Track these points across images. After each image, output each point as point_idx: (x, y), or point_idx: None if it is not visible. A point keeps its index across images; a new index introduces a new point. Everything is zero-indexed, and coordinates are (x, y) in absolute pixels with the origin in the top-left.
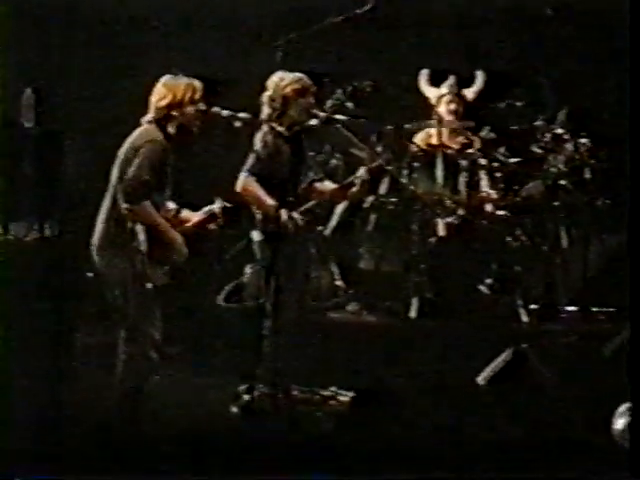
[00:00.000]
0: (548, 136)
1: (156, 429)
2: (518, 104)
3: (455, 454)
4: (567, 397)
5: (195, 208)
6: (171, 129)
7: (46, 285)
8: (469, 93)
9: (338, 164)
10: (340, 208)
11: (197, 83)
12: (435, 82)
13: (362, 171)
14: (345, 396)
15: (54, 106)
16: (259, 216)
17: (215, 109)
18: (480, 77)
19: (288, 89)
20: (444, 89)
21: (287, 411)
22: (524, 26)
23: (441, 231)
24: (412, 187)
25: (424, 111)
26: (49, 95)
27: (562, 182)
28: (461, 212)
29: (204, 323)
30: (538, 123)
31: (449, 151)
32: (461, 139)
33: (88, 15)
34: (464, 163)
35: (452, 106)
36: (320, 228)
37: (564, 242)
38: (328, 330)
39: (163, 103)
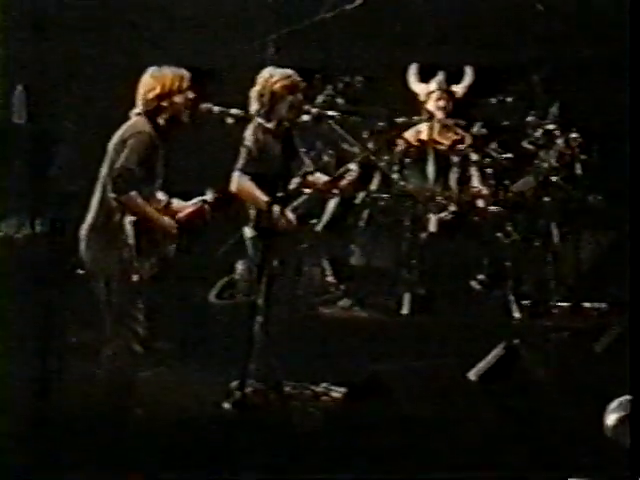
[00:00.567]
0: (539, 132)
1: (147, 425)
2: (509, 100)
3: (447, 449)
4: (559, 392)
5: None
6: (161, 120)
7: (37, 282)
8: (458, 89)
9: (329, 160)
10: (332, 204)
11: (184, 72)
12: (425, 77)
13: (353, 164)
14: (337, 392)
15: (45, 103)
16: (252, 212)
17: (207, 105)
18: (469, 73)
19: (277, 86)
20: (433, 85)
21: (279, 407)
22: (515, 21)
23: (432, 227)
24: (403, 183)
25: (415, 107)
26: (40, 92)
27: (553, 178)
28: (452, 208)
29: (196, 319)
30: (529, 119)
31: (440, 147)
32: (452, 135)
33: (79, 12)
34: (455, 159)
35: (441, 102)
36: (312, 223)
37: (555, 238)
38: (320, 326)
39: (152, 94)
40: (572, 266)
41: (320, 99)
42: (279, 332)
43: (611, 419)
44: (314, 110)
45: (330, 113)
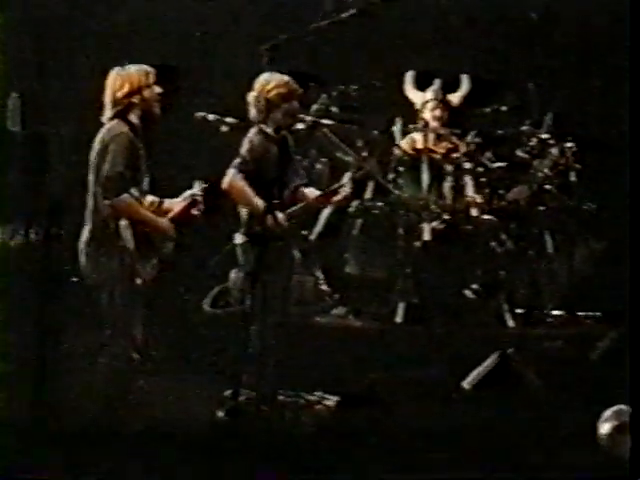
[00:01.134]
0: (534, 141)
1: (141, 433)
2: (503, 109)
3: (441, 459)
4: (553, 401)
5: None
6: (134, 118)
7: (32, 289)
8: (454, 98)
9: (324, 169)
10: (325, 213)
11: (148, 68)
12: (421, 85)
13: (347, 179)
14: (331, 401)
15: (40, 110)
16: (244, 217)
17: (201, 113)
18: (465, 82)
19: (272, 93)
20: (429, 94)
21: (273, 416)
22: (510, 30)
23: (426, 236)
24: (397, 192)
25: (410, 115)
26: (35, 99)
27: (548, 187)
28: (446, 217)
29: (189, 328)
30: (524, 128)
31: (434, 156)
32: (446, 144)
33: (74, 19)
34: (449, 168)
35: (437, 112)
36: (305, 232)
37: (550, 247)
38: (313, 334)
39: (121, 93)
40: (566, 275)
41: (314, 107)
42: (273, 341)
43: (605, 428)
44: (308, 118)
45: (324, 121)
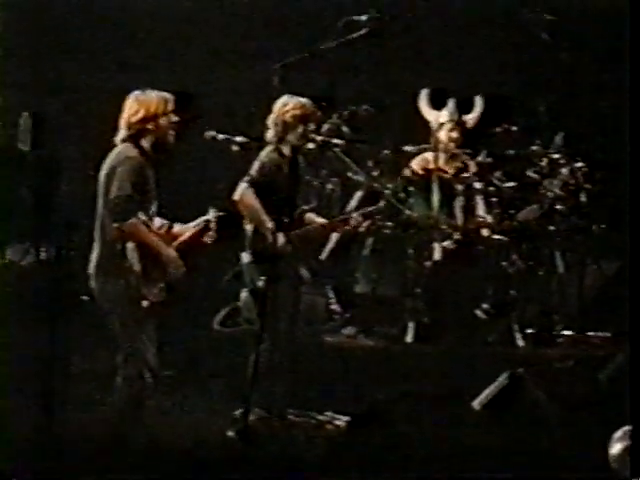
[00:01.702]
0: (544, 161)
1: (152, 453)
2: (514, 129)
3: (451, 478)
4: (563, 422)
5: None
6: (145, 144)
7: (42, 309)
8: (469, 120)
9: (334, 188)
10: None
11: (168, 95)
12: (433, 103)
13: (356, 202)
14: (341, 420)
15: (50, 130)
16: (249, 233)
17: (211, 133)
18: (479, 103)
19: (288, 115)
20: (445, 115)
21: (283, 435)
22: (521, 51)
23: (437, 255)
24: (408, 211)
25: (421, 135)
26: (46, 119)
27: (558, 207)
28: (457, 236)
29: (200, 347)
30: (534, 148)
31: (445, 175)
32: (457, 163)
33: (84, 39)
34: (460, 187)
35: (454, 134)
36: (316, 252)
37: (560, 267)
38: (324, 354)
39: (136, 118)
40: (576, 295)
41: (325, 127)
42: (283, 360)
43: (616, 448)
44: (319, 138)
45: (335, 141)
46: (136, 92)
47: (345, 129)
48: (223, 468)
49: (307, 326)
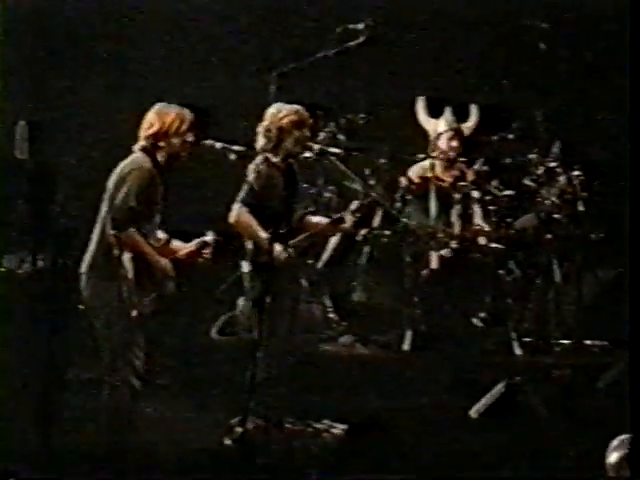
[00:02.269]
0: (541, 169)
1: (147, 460)
2: (511, 137)
3: None
4: (560, 430)
5: (186, 238)
6: (160, 157)
7: (38, 317)
8: (465, 128)
9: (331, 197)
10: (333, 241)
11: (187, 113)
12: (431, 111)
13: (354, 206)
14: (338, 429)
15: (47, 139)
16: (250, 247)
17: (209, 141)
18: (474, 111)
19: (285, 121)
20: (443, 124)
21: (280, 444)
22: (518, 59)
23: (434, 264)
24: (405, 220)
25: (417, 143)
26: (42, 127)
27: (555, 215)
28: (454, 245)
29: (196, 355)
30: (531, 156)
31: (442, 184)
32: (454, 172)
33: (82, 47)
34: (457, 196)
35: (454, 143)
36: (313, 261)
37: (557, 275)
38: (321, 362)
39: (150, 131)
40: (574, 303)
41: (322, 136)
42: (280, 368)
43: (613, 457)
44: (316, 147)
45: (332, 150)
46: (160, 104)
47: (342, 137)
48: (220, 476)
49: (304, 334)
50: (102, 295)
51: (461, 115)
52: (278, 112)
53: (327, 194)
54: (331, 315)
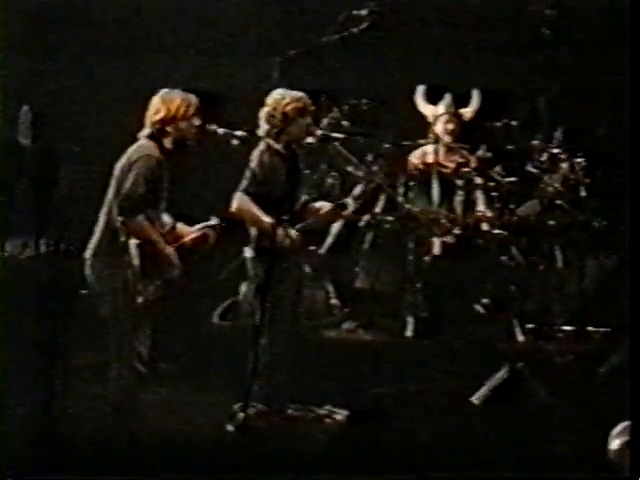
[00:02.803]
0: (544, 155)
1: (150, 447)
2: (514, 123)
3: (450, 474)
4: (563, 417)
5: (191, 223)
6: (167, 143)
7: (42, 302)
8: (466, 112)
9: (334, 182)
10: (336, 227)
11: (193, 98)
12: (431, 99)
13: (357, 191)
14: (340, 414)
15: (51, 124)
16: (253, 233)
17: (212, 127)
18: (476, 96)
19: (289, 107)
20: (441, 108)
21: (282, 429)
22: (521, 45)
23: (437, 250)
24: (408, 206)
25: (421, 129)
26: (46, 113)
27: (558, 202)
28: (457, 231)
29: (199, 341)
30: (534, 142)
31: (445, 170)
32: (457, 158)
33: (85, 32)
34: (460, 182)
35: (450, 126)
36: (315, 247)
37: (560, 262)
38: (323, 348)
39: (157, 117)
40: (576, 290)
41: (325, 121)
42: (282, 354)
43: (615, 443)
44: (319, 132)
45: (335, 135)
46: (164, 90)
47: (345, 123)
48: (222, 462)
49: (306, 320)
50: (107, 281)
51: (466, 102)
52: (281, 98)
53: (330, 180)
54: (333, 301)
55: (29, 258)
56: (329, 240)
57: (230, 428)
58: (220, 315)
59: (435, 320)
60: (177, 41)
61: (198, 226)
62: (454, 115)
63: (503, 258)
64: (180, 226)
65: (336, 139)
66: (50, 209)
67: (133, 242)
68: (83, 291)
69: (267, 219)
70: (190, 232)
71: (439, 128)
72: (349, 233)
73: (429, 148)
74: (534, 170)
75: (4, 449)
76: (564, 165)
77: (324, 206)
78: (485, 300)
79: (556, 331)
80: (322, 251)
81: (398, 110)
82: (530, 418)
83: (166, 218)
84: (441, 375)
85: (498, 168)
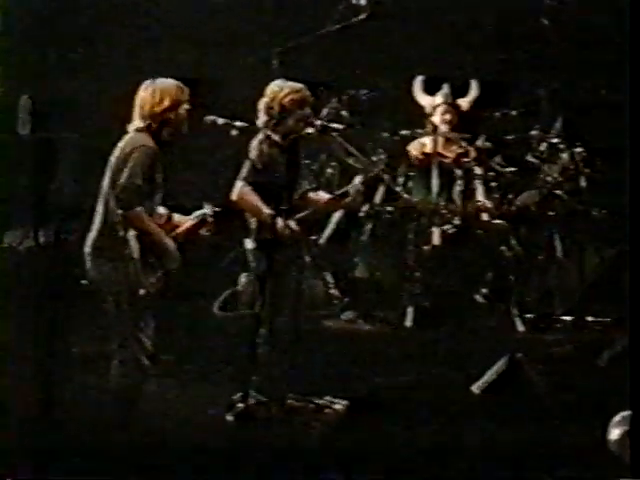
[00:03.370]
0: (544, 145)
1: (150, 437)
2: (513, 113)
3: (450, 463)
4: (562, 407)
5: (188, 214)
6: (165, 134)
7: (40, 293)
8: (464, 102)
9: (333, 173)
10: (335, 217)
11: (182, 85)
12: (430, 90)
13: (357, 181)
14: (340, 405)
15: (50, 114)
16: (253, 224)
17: (211, 117)
18: (474, 86)
19: (287, 99)
20: (439, 98)
21: (282, 420)
22: (520, 35)
23: (436, 240)
24: (407, 196)
25: (419, 120)
26: (45, 103)
27: (557, 191)
28: (456, 221)
29: (199, 331)
30: (533, 132)
31: (444, 160)
32: (456, 148)
33: (83, 23)
34: (459, 172)
35: (447, 116)
36: (315, 237)
37: (559, 252)
38: (323, 338)
39: (160, 108)
40: (576, 280)
41: (325, 112)
42: (282, 344)
43: (614, 433)
44: (318, 122)
45: (334, 126)
46: (150, 81)
47: (344, 113)
48: (221, 452)
49: (306, 311)
50: (109, 275)
51: (464, 93)
52: (280, 90)
53: (329, 170)
54: (333, 291)
55: (28, 249)
56: (329, 230)
57: (230, 418)
58: (220, 306)
59: (435, 310)
60: (177, 31)
61: (194, 214)
62: (451, 105)
63: (502, 248)
64: (176, 217)
65: (335, 129)
66: (49, 199)
67: (132, 234)
68: (83, 281)
69: (267, 210)
70: (186, 221)
71: (437, 118)
72: (349, 223)
73: (428, 138)
74: (533, 160)
75: (3, 436)
76: (563, 155)
77: (323, 197)
78: (484, 290)
79: (555, 321)
80: (322, 241)
81: (398, 100)
82: (529, 407)
83: (161, 210)
84: (441, 365)
85: (497, 158)
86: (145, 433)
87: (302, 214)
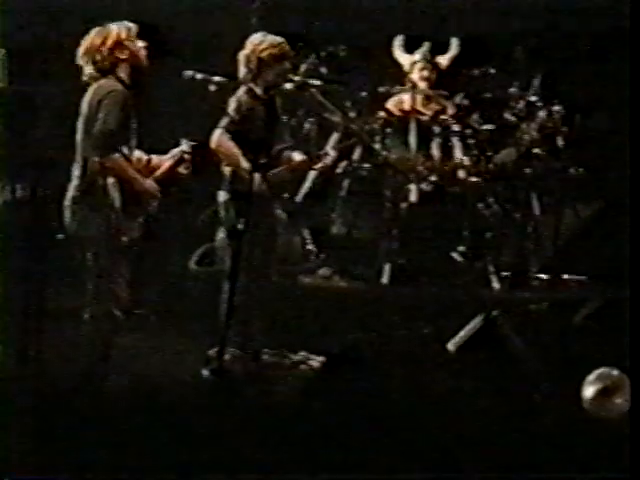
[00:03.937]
0: (521, 103)
1: (124, 390)
2: (492, 71)
3: (423, 421)
4: (537, 364)
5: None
6: (123, 74)
7: (17, 247)
8: (443, 60)
9: (311, 128)
10: (312, 173)
11: (129, 23)
12: (410, 49)
13: (332, 143)
14: (315, 361)
15: (26, 66)
16: (227, 175)
17: (189, 72)
18: (455, 44)
19: (265, 53)
20: (417, 56)
21: (257, 375)
22: None
23: (413, 197)
24: (385, 153)
25: (398, 77)
26: (22, 56)
27: (535, 150)
28: (434, 178)
29: (174, 286)
30: (512, 90)
31: (422, 117)
32: (434, 105)
33: None
34: (437, 129)
35: (425, 73)
36: (291, 194)
37: (536, 210)
38: (299, 294)
39: (105, 49)
40: (552, 238)
41: (303, 68)
42: (258, 300)
43: (589, 391)
44: (297, 78)
45: (313, 82)
46: (96, 27)
47: (323, 70)
48: (196, 407)
49: (282, 266)
50: (90, 225)
51: (443, 50)
52: (259, 43)
53: (307, 126)
54: (310, 247)
55: (5, 203)
56: (305, 187)
57: (205, 373)
58: (196, 261)
59: (411, 267)
60: None
61: (171, 153)
62: (430, 63)
63: (480, 205)
64: (154, 158)
65: (313, 86)
66: (26, 153)
67: (111, 181)
68: (59, 235)
69: (245, 164)
70: (164, 161)
71: (415, 75)
72: (326, 180)
73: (406, 95)
74: (511, 118)
75: None
76: (541, 113)
77: (297, 157)
78: (461, 247)
79: (531, 279)
80: (298, 198)
81: (376, 57)
82: (504, 365)
83: (138, 153)
84: (417, 322)
85: (475, 116)
86: (118, 387)
87: (275, 171)
